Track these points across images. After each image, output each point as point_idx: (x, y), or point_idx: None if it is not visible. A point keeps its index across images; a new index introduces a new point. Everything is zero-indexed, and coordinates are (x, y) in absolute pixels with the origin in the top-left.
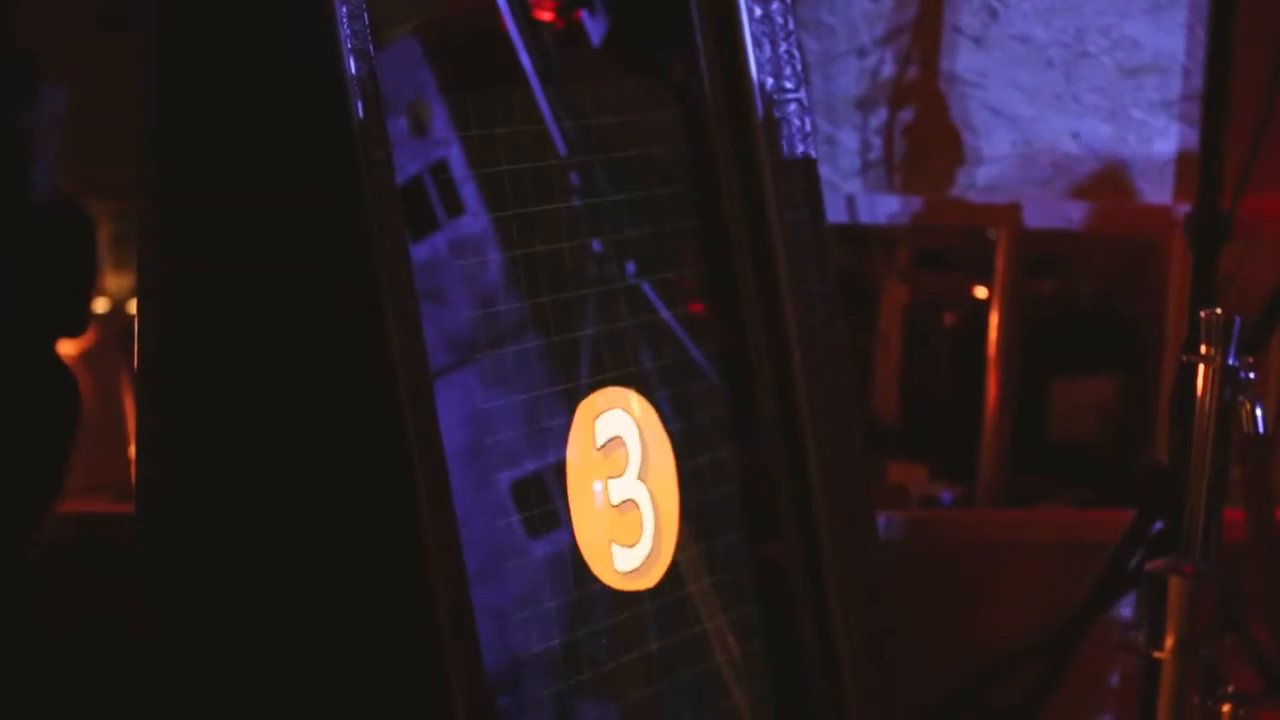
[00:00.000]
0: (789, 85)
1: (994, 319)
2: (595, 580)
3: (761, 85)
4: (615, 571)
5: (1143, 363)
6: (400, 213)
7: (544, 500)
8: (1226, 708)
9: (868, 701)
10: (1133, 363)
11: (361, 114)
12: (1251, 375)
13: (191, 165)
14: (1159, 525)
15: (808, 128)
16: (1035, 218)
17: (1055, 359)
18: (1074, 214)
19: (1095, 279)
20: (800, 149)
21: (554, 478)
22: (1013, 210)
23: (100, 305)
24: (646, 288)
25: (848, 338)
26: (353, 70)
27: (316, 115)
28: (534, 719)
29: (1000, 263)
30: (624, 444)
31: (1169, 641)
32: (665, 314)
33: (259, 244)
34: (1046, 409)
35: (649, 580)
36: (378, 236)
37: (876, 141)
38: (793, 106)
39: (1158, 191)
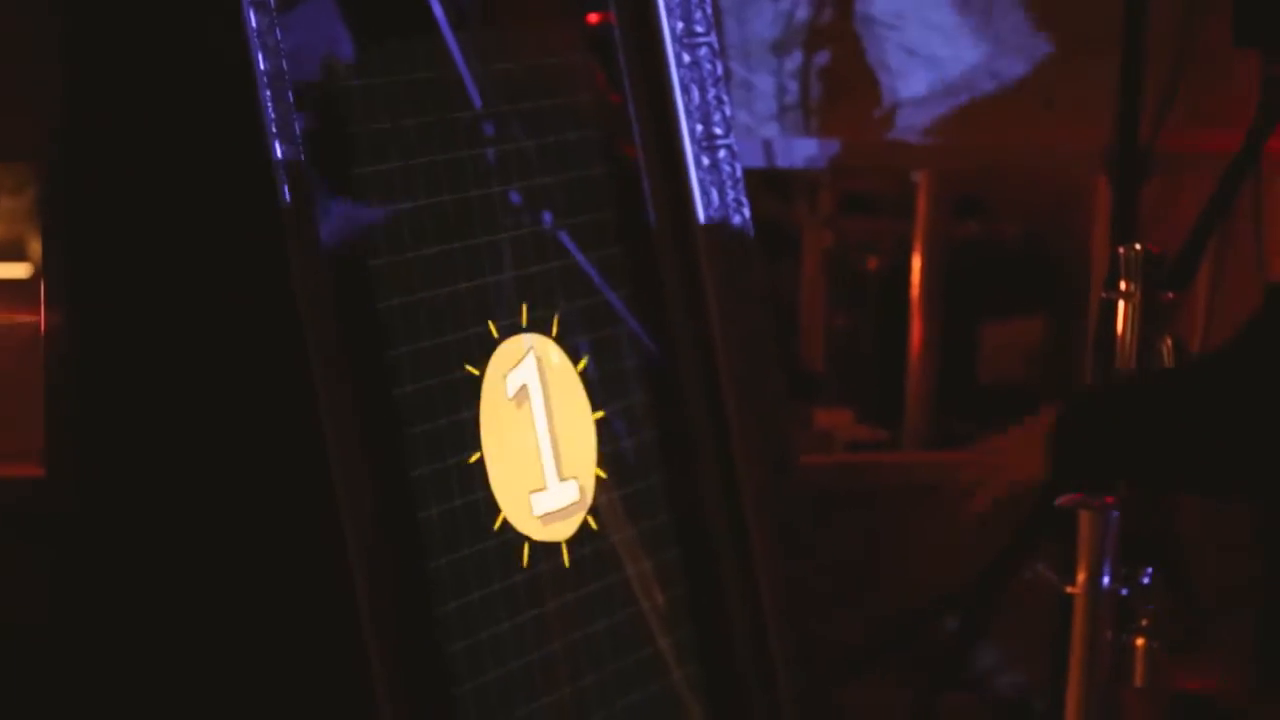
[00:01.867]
0: (699, 30)
1: (917, 262)
2: (512, 529)
3: (672, 30)
4: (533, 519)
5: (1070, 303)
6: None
7: (461, 449)
8: (1140, 642)
9: (792, 645)
10: (1060, 303)
11: (264, 64)
12: (1170, 311)
13: (95, 119)
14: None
15: (719, 71)
16: (955, 158)
17: (983, 301)
18: (995, 154)
19: (1021, 220)
20: (712, 92)
21: (470, 428)
22: (932, 151)
23: (24, 270)
24: (562, 234)
25: (765, 280)
26: (254, 24)
27: (219, 66)
28: (457, 668)
29: (921, 205)
30: (539, 391)
31: (1081, 576)
32: (581, 259)
33: (164, 194)
34: (974, 351)
35: (569, 529)
36: (283, 185)
37: (793, 85)
38: (704, 50)
39: (1078, 128)
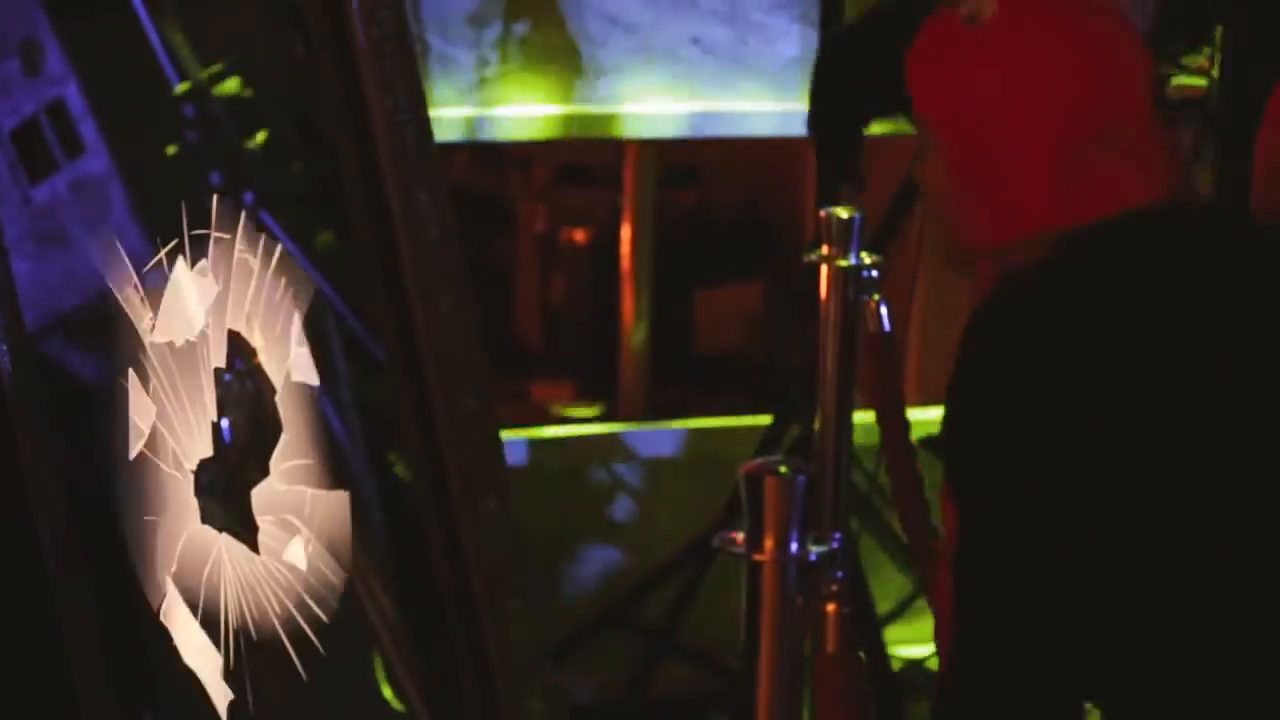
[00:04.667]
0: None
1: (626, 233)
2: None
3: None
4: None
5: (787, 268)
6: None
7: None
8: (831, 608)
9: (504, 626)
10: (776, 268)
11: None
12: (875, 274)
13: None
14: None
15: (412, 45)
16: (658, 126)
17: (699, 269)
18: (699, 122)
19: (737, 187)
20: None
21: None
22: (635, 120)
23: None
24: (266, 217)
25: (463, 258)
26: None
27: None
28: None
29: (629, 174)
30: (240, 383)
31: (768, 543)
32: (287, 244)
33: None
34: (690, 320)
35: None
36: None
37: (493, 57)
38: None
39: (781, 93)
